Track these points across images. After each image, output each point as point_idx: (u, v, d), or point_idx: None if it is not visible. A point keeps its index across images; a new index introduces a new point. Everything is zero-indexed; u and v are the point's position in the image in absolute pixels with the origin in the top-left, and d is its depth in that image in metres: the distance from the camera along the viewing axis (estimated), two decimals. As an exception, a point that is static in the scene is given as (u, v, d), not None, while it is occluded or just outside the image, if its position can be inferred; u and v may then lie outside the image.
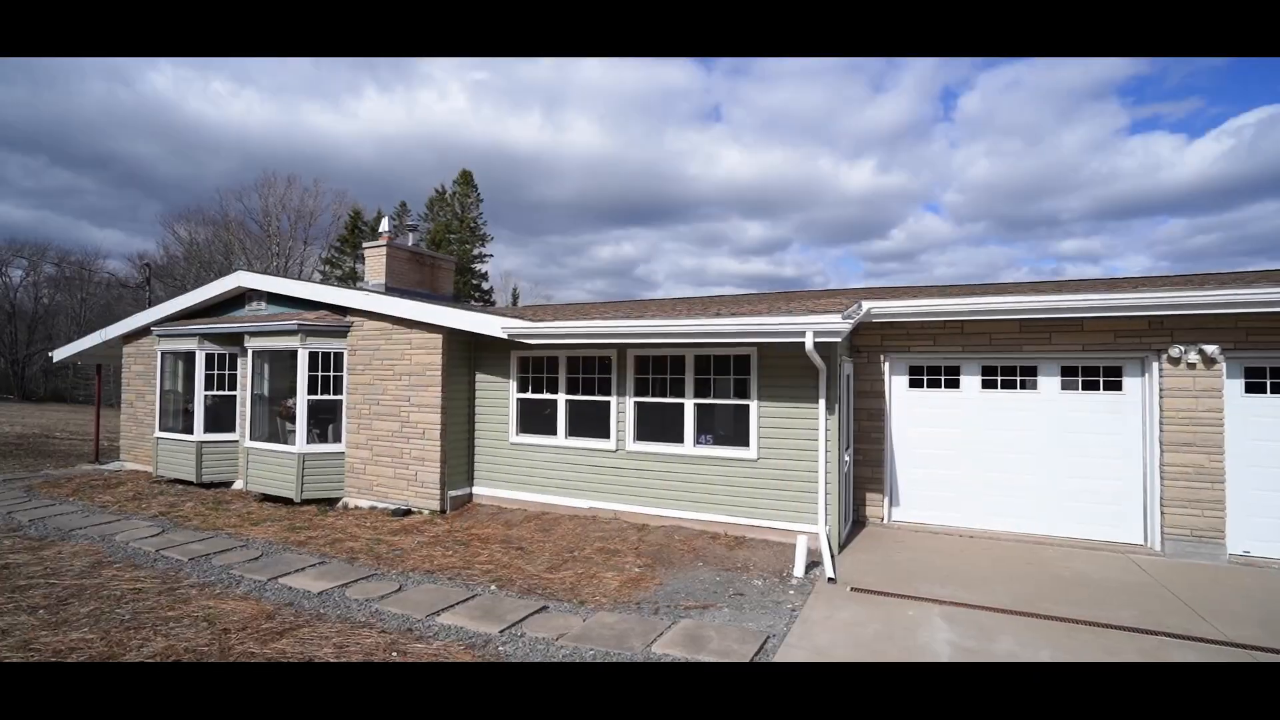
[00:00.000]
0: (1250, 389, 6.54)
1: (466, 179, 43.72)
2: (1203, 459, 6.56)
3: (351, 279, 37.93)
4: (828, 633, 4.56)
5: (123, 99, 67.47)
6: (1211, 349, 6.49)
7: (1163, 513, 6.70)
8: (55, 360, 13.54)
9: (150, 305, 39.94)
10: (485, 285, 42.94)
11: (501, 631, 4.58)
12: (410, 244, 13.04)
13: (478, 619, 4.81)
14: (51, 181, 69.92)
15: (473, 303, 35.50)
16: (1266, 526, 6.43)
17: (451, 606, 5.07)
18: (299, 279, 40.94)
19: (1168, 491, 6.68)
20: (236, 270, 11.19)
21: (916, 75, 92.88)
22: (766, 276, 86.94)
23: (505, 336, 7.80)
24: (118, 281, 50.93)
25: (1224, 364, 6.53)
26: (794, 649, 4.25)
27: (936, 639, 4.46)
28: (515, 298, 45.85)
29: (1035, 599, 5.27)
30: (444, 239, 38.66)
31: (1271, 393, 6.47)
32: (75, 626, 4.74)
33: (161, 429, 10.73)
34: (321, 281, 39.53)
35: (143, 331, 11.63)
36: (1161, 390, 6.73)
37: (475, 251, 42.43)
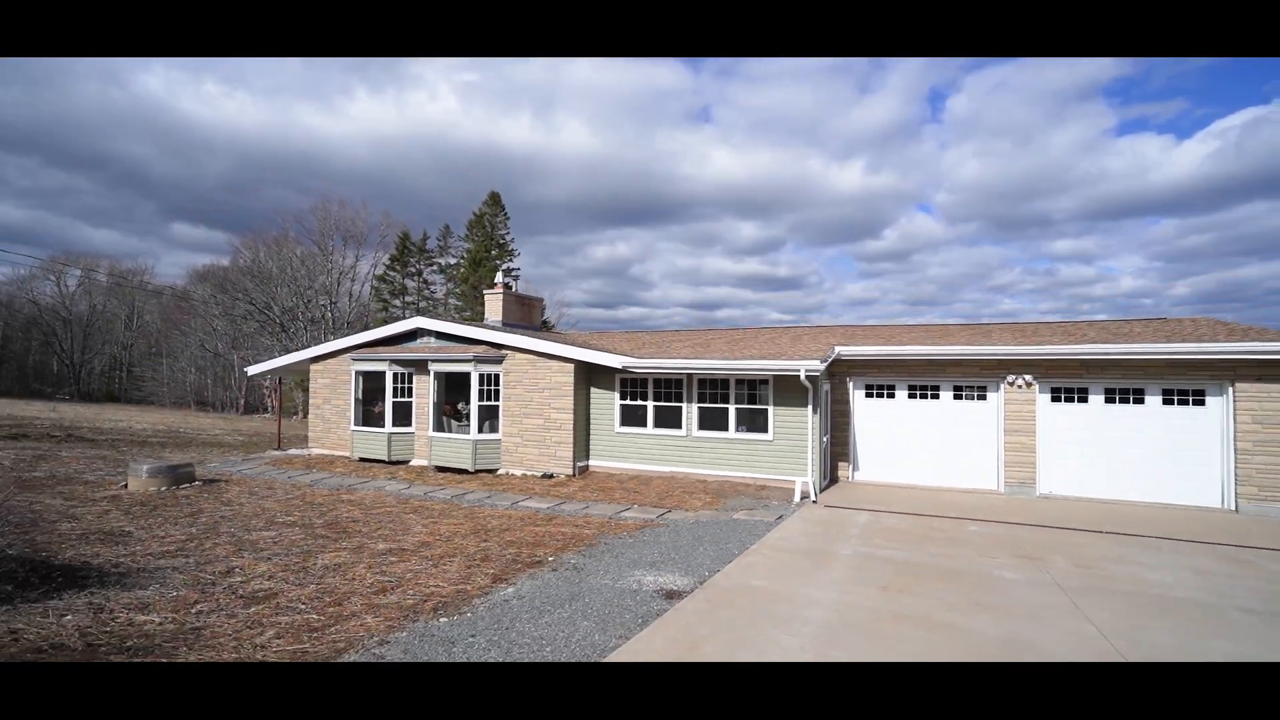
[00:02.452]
0: (1053, 400, 11.53)
1: (495, 200, 48.50)
2: (1025, 440, 11.56)
3: (402, 294, 42.71)
4: (811, 515, 9.51)
5: (116, 100, 68.07)
6: (1029, 378, 11.49)
7: (1005, 471, 11.69)
8: (250, 375, 18.41)
9: (205, 315, 43.84)
10: (514, 297, 47.64)
11: (657, 517, 9.52)
12: (515, 290, 18.06)
13: (640, 514, 9.75)
14: (48, 182, 69.54)
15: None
16: (1058, 478, 11.42)
17: (624, 511, 10.00)
18: (352, 296, 44.73)
19: (1007, 458, 11.67)
20: (414, 318, 16.03)
21: (903, 77, 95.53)
22: (761, 277, 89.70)
23: (620, 368, 12.73)
24: (170, 291, 55.60)
25: (1037, 386, 11.52)
26: (795, 518, 9.22)
27: (861, 519, 9.43)
28: (542, 310, 50.61)
29: (920, 509, 10.24)
30: (483, 258, 43.43)
31: (1064, 402, 11.46)
32: (440, 519, 9.60)
33: (354, 424, 15.63)
34: (373, 295, 44.23)
35: (328, 355, 16.52)
36: (1005, 401, 11.72)
37: (504, 267, 47.25)
